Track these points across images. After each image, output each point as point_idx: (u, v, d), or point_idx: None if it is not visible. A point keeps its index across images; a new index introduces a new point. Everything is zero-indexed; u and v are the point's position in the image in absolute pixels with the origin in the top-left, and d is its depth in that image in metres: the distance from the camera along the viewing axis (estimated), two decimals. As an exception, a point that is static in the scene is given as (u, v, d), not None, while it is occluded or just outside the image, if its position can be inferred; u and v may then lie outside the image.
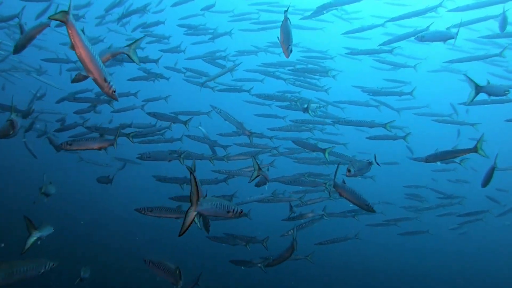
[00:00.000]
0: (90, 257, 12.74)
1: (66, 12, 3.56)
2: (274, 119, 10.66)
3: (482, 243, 20.46)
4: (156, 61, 10.10)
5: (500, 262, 19.54)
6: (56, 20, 3.58)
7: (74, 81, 4.59)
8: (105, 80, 3.86)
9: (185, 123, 8.34)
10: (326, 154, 7.99)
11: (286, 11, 5.27)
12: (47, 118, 12.45)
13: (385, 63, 11.55)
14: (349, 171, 5.44)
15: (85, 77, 4.79)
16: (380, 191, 13.11)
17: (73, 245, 13.51)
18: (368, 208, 5.28)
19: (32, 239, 5.15)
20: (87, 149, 5.08)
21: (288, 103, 9.86)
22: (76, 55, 3.67)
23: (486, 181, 6.96)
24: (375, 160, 5.69)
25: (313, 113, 9.05)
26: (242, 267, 8.19)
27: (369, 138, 9.26)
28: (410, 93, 10.23)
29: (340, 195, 5.30)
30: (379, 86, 10.47)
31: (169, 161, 7.56)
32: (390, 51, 9.70)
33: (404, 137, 9.25)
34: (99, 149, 4.96)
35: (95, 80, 3.84)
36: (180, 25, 13.40)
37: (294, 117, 9.68)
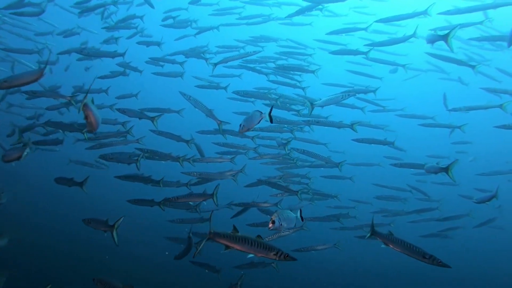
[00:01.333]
0: (86, 257, 12.46)
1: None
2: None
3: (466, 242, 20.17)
4: (122, 55, 9.70)
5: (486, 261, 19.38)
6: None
7: None
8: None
9: (153, 119, 7.91)
10: (286, 148, 8.60)
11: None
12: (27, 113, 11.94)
13: (375, 61, 11.19)
14: (273, 222, 4.64)
15: (7, 87, 4.59)
16: (356, 193, 12.67)
17: (71, 244, 13.19)
18: (432, 261, 4.14)
19: None
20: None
21: (268, 101, 9.48)
22: (86, 119, 4.61)
23: (482, 201, 7.21)
24: (301, 214, 4.98)
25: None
26: (206, 270, 7.86)
27: (356, 140, 8.80)
28: (373, 91, 10.00)
29: (386, 245, 4.48)
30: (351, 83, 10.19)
31: (129, 164, 7.19)
32: (365, 53, 9.54)
33: (392, 143, 9.23)
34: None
35: (90, 125, 4.73)
36: (165, 19, 12.96)
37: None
